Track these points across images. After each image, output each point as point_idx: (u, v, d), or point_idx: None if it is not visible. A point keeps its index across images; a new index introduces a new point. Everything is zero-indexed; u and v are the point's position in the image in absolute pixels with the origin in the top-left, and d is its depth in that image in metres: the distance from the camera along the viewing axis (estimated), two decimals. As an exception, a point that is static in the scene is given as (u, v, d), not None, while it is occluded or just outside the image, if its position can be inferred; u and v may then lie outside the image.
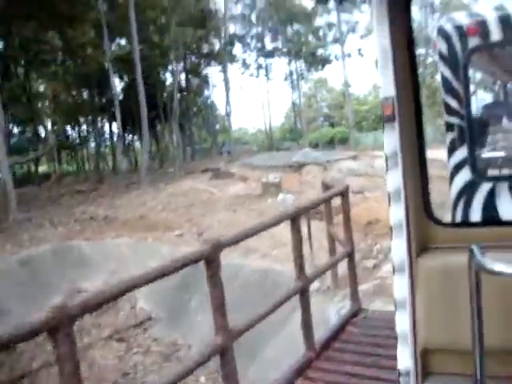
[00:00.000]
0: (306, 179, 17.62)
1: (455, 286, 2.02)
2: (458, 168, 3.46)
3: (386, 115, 2.07)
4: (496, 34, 3.40)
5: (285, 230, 10.14)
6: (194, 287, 10.99)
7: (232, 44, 37.76)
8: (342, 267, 9.52)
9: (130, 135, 46.32)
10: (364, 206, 12.84)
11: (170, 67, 39.73)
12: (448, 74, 3.40)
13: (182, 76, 40.68)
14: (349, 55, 36.11)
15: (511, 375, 2.06)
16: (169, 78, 44.80)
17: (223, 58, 33.18)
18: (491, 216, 3.43)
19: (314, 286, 8.05)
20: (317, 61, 37.36)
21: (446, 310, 2.15)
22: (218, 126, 73.16)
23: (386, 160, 2.12)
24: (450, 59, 3.44)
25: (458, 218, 3.75)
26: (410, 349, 2.21)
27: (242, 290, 10.16)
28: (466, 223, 3.43)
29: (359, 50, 36.47)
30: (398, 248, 2.17)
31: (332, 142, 45.31)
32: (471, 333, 1.74)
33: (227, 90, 34.54)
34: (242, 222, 13.32)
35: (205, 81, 42.75)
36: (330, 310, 7.76)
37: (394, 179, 2.12)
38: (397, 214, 2.15)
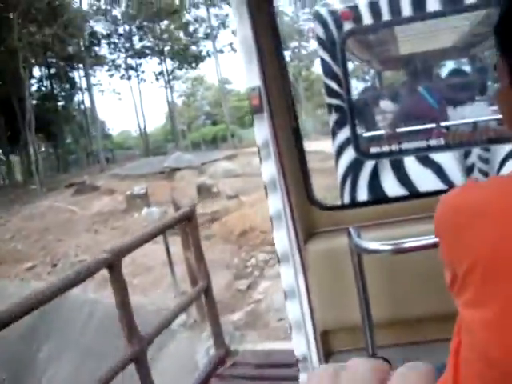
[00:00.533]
0: (179, 186, 16.13)
1: (343, 268, 2.04)
2: (342, 148, 3.50)
3: (254, 106, 2.00)
4: (367, 20, 3.56)
5: (149, 250, 8.75)
6: (43, 334, 9.34)
7: (98, 44, 35.06)
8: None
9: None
10: (238, 213, 11.65)
11: (35, 73, 36.55)
12: (327, 57, 3.43)
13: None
14: (221, 51, 34.89)
15: (400, 342, 2.20)
16: (34, 85, 41.60)
17: (86, 59, 30.43)
18: (376, 194, 3.54)
19: (181, 319, 6.94)
20: (187, 58, 35.62)
21: (338, 292, 2.22)
22: (95, 133, 69.33)
23: (259, 152, 2.07)
24: (327, 43, 3.50)
25: (346, 199, 3.84)
26: (307, 333, 2.21)
27: (98, 334, 8.64)
28: (349, 205, 3.42)
29: (231, 44, 35.30)
30: (281, 238, 2.13)
31: (215, 140, 44.35)
32: (360, 310, 1.88)
33: (91, 94, 31.92)
34: (103, 245, 11.68)
35: (72, 86, 39.50)
36: (198, 351, 6.69)
37: (269, 170, 2.07)
38: (275, 204, 2.11)
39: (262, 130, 2.02)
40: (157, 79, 37.03)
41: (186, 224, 5.23)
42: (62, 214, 15.09)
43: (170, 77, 37.72)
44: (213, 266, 9.53)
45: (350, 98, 3.38)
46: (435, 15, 3.62)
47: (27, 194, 21.67)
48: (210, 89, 54.16)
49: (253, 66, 1.95)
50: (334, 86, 3.48)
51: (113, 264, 3.61)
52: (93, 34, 33.18)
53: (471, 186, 0.91)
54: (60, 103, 42.46)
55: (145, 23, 34.96)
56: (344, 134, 3.49)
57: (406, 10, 3.51)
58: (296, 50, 37.10)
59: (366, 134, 4.01)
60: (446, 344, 0.97)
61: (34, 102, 43.57)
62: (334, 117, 3.59)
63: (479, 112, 4.04)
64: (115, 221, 13.34)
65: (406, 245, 1.66)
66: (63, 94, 42.35)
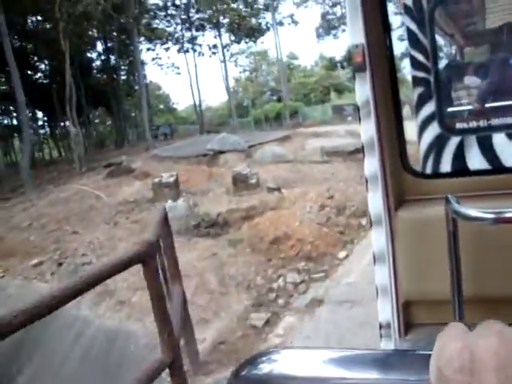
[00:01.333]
0: (219, 172, 14.25)
1: (434, 237, 2.00)
2: (426, 123, 3.35)
3: (357, 63, 1.98)
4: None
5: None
6: (27, 353, 7.87)
7: (155, 16, 33.54)
8: (208, 336, 6.43)
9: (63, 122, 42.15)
10: (275, 213, 9.62)
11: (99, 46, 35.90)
12: (414, 27, 3.28)
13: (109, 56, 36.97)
14: (281, 23, 32.30)
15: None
16: (96, 59, 41.29)
17: (133, 30, 28.89)
18: (463, 167, 3.39)
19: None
20: (245, 31, 33.25)
21: (426, 262, 2.16)
22: (162, 107, 68.87)
23: (359, 110, 2.06)
24: (415, 11, 3.32)
25: (429, 171, 3.72)
26: (391, 301, 2.18)
27: (81, 363, 7.06)
28: (444, 174, 3.28)
29: (291, 16, 32.62)
30: (375, 201, 2.13)
31: (278, 117, 42.39)
32: (450, 281, 1.82)
33: (138, 66, 30.59)
34: (118, 242, 10.11)
35: (131, 59, 38.52)
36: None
37: (368, 130, 2.05)
38: (371, 165, 2.09)
39: (363, 89, 1.98)
40: (213, 53, 35.12)
41: (142, 269, 3.33)
42: (87, 199, 13.64)
43: (226, 50, 35.73)
44: (231, 284, 7.66)
45: (438, 71, 3.26)
46: None
47: (68, 172, 20.58)
48: (274, 64, 52.00)
49: (357, 23, 1.93)
50: (420, 58, 3.32)
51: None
52: (146, 4, 31.58)
53: None
54: (121, 77, 41.90)
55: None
56: (429, 108, 3.29)
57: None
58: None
59: (452, 109, 3.90)
60: None
61: (99, 75, 43.44)
62: (418, 90, 3.40)
63: None
64: (139, 212, 11.70)
65: (510, 215, 1.57)
66: (123, 67, 41.69)
